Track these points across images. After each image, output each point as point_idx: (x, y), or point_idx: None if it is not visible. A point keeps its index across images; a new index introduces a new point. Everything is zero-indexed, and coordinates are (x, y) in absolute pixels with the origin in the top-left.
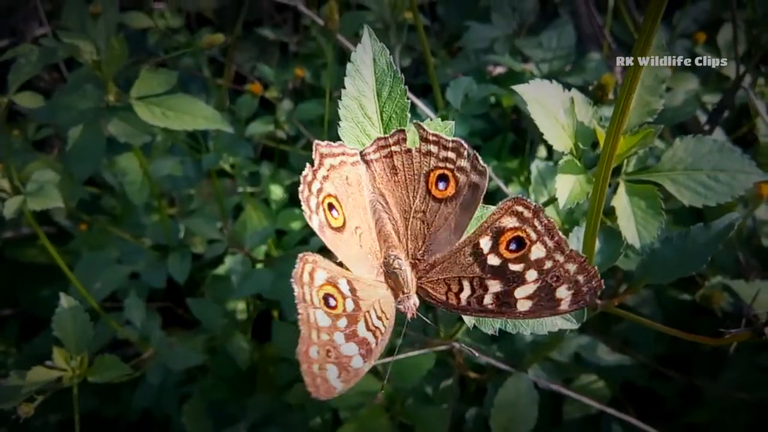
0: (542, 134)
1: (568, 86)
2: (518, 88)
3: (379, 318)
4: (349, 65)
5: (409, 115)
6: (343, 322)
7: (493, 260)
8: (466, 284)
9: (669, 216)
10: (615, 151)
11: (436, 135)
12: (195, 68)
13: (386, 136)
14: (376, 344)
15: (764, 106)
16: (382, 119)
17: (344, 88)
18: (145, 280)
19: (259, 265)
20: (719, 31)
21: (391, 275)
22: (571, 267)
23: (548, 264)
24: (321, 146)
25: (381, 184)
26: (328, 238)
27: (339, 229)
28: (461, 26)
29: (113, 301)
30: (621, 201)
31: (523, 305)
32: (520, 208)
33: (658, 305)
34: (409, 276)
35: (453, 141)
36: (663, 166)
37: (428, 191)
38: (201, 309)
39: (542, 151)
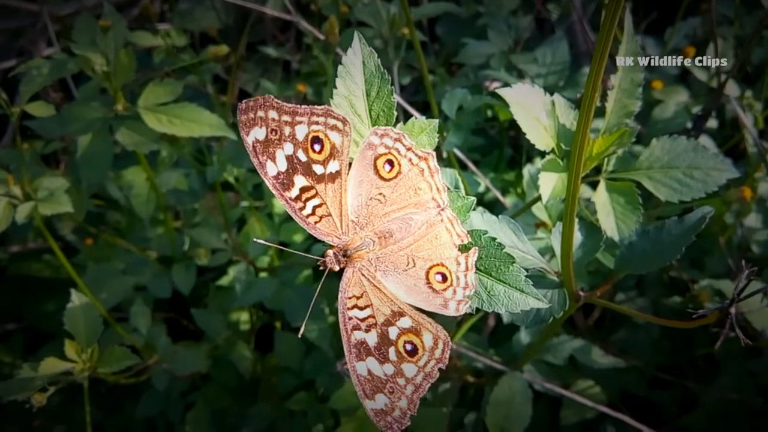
0: (525, 134)
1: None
2: (501, 91)
3: None
4: (340, 67)
5: (395, 113)
6: None
7: (393, 335)
8: (369, 310)
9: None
10: (584, 147)
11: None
12: (200, 85)
13: None
14: None
15: (752, 117)
16: (370, 116)
17: (335, 87)
18: (151, 290)
19: (262, 274)
20: (708, 46)
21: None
22: (403, 404)
23: (402, 381)
24: None
25: None
26: None
27: None
28: (459, 45)
29: (119, 311)
30: (601, 197)
31: (362, 369)
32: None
33: (653, 314)
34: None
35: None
36: (641, 165)
37: None
38: (205, 319)
39: (538, 163)
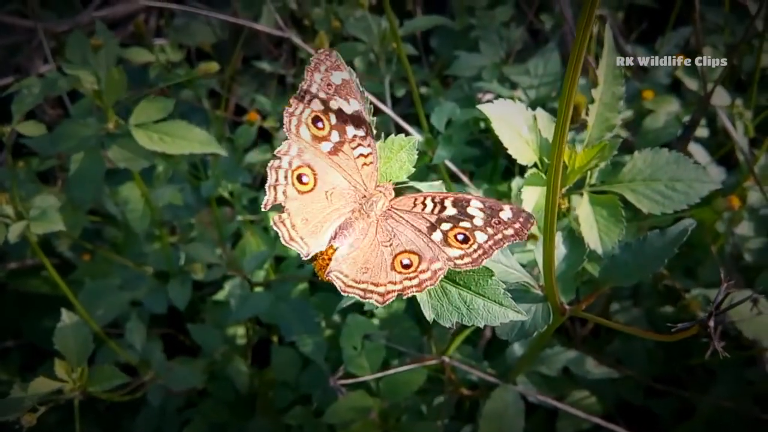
0: (506, 149)
1: (554, 111)
2: (483, 107)
3: None
4: None
5: (374, 119)
6: None
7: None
8: None
9: None
10: (561, 158)
11: None
12: (195, 100)
13: None
14: None
15: (742, 126)
16: None
17: None
18: (147, 305)
19: (257, 289)
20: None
21: None
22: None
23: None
24: None
25: None
26: None
27: None
28: (453, 57)
29: (116, 327)
30: (584, 210)
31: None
32: None
33: (648, 324)
34: None
35: None
36: (624, 177)
37: None
38: (201, 334)
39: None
